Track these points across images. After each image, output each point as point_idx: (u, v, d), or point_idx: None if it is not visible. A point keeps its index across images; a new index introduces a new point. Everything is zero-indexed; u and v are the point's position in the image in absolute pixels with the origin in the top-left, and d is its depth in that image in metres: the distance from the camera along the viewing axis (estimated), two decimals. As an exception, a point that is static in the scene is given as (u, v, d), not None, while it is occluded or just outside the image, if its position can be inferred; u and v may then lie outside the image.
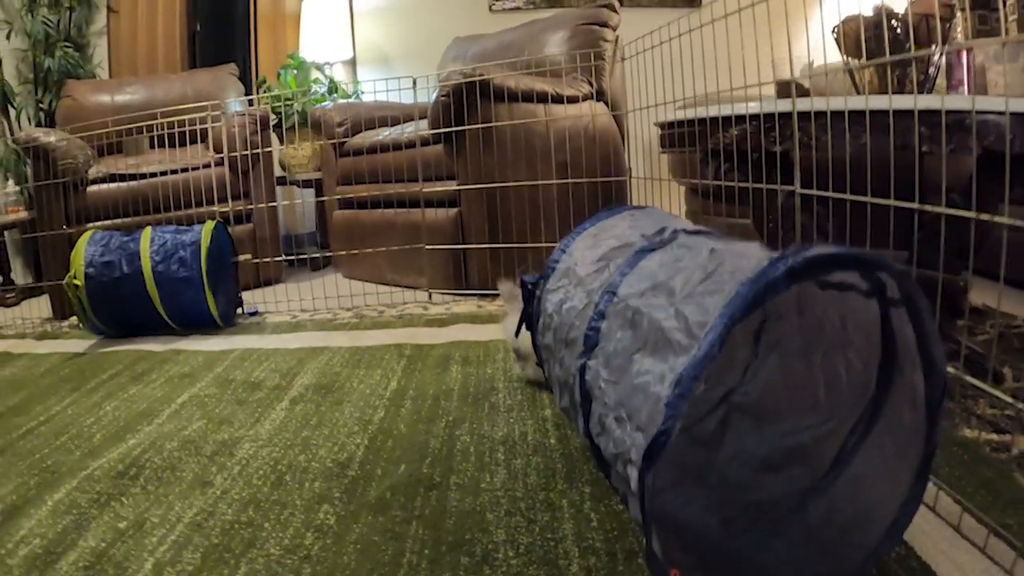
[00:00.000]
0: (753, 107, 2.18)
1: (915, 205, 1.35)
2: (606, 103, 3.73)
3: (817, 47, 1.92)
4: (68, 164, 3.16)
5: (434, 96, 2.94)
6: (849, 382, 1.09)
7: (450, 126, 2.90)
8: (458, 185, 2.96)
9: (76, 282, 2.54)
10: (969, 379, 1.25)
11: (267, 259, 3.42)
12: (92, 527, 1.30)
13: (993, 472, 1.27)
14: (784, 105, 1.99)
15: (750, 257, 0.89)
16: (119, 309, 2.60)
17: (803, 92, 2.39)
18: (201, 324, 2.66)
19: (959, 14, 4.17)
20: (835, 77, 2.60)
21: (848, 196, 1.54)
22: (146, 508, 1.36)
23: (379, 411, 1.78)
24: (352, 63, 4.78)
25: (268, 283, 3.58)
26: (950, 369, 1.00)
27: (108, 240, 2.62)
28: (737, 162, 2.40)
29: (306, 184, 4.13)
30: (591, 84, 3.66)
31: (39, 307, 3.60)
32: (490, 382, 1.93)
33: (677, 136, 2.76)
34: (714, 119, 2.38)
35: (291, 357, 2.27)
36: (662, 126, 2.91)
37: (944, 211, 1.27)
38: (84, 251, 2.58)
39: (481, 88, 2.86)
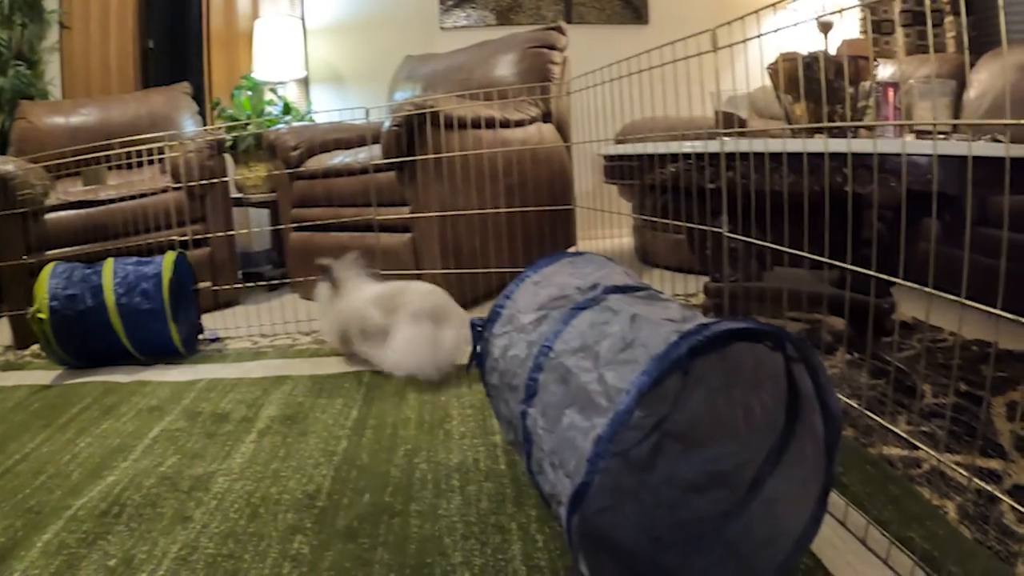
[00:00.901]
0: (688, 147, 2.32)
1: (825, 259, 1.51)
2: (554, 124, 3.86)
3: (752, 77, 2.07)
4: (27, 195, 3.21)
5: (386, 125, 3.04)
6: (763, 417, 1.27)
7: (402, 155, 3.01)
8: (411, 212, 3.07)
9: (41, 315, 2.61)
10: (870, 416, 1.43)
11: (226, 286, 3.50)
12: (83, 566, 1.41)
13: (900, 489, 1.45)
14: (715, 146, 2.13)
15: (663, 330, 1.05)
16: (84, 341, 2.67)
17: (742, 123, 2.54)
18: (165, 353, 2.75)
19: (899, 31, 4.37)
20: (769, 101, 2.74)
21: (767, 244, 1.70)
22: (132, 545, 1.48)
23: (342, 441, 1.91)
24: (305, 82, 4.85)
25: (227, 305, 3.66)
26: (853, 404, 1.17)
27: (71, 273, 2.69)
28: (675, 195, 2.54)
29: (261, 204, 4.20)
30: (539, 106, 3.80)
31: (-1, 332, 3.64)
32: (444, 409, 2.07)
33: (620, 168, 2.90)
34: (653, 155, 2.52)
35: (255, 387, 2.37)
36: (606, 158, 3.05)
37: (851, 268, 1.44)
38: (47, 284, 2.65)
39: (431, 117, 2.97)
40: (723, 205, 2.03)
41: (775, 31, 1.72)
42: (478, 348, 1.56)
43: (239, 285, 3.67)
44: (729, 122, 2.55)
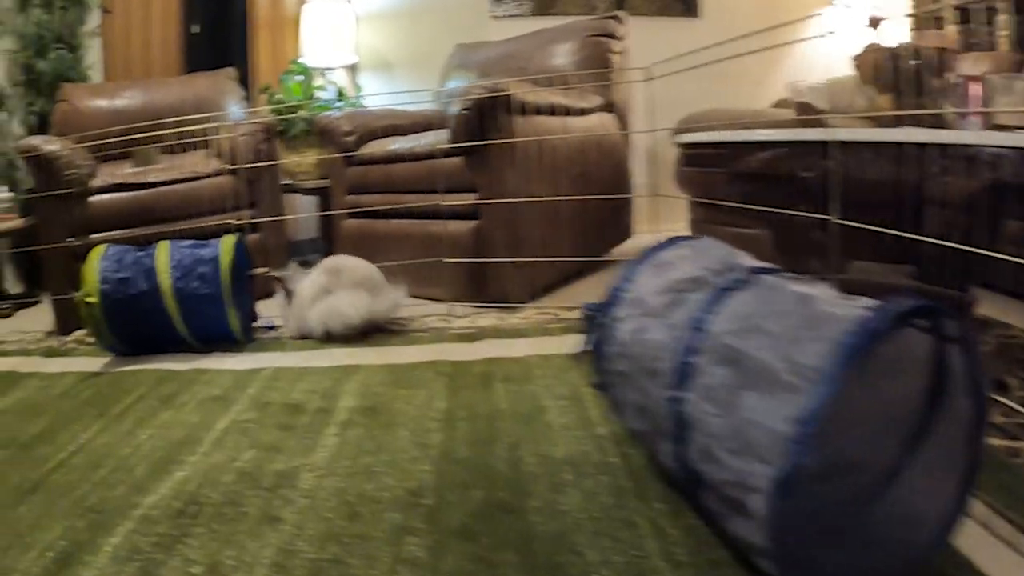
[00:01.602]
0: (783, 134, 2.19)
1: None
2: (616, 115, 3.71)
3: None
4: (72, 176, 3.04)
5: (455, 109, 2.88)
6: (900, 402, 1.17)
7: (472, 139, 2.84)
8: (479, 198, 2.90)
9: (90, 299, 2.44)
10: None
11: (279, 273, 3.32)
12: (163, 574, 1.22)
13: (1010, 476, 1.36)
14: (821, 134, 2.00)
15: (842, 309, 1.01)
16: (136, 326, 2.50)
17: (820, 114, 2.41)
18: (221, 341, 2.57)
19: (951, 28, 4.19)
20: (849, 96, 2.61)
21: (880, 229, 1.58)
22: (217, 549, 1.29)
23: (435, 434, 1.72)
24: (353, 69, 4.69)
25: (272, 295, 3.47)
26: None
27: (122, 255, 2.52)
28: (759, 184, 2.42)
29: (310, 192, 4.03)
30: (602, 96, 3.64)
31: (36, 319, 3.47)
32: (535, 400, 1.89)
33: (700, 157, 2.75)
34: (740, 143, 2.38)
35: (325, 376, 2.19)
36: (684, 146, 2.89)
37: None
38: (98, 266, 2.48)
39: (502, 102, 2.80)
40: (833, 192, 1.88)
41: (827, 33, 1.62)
42: (593, 335, 1.49)
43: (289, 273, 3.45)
44: (808, 112, 2.46)
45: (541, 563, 1.16)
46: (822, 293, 1.09)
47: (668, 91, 2.83)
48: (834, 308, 1.02)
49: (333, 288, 2.61)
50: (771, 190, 2.36)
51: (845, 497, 1.19)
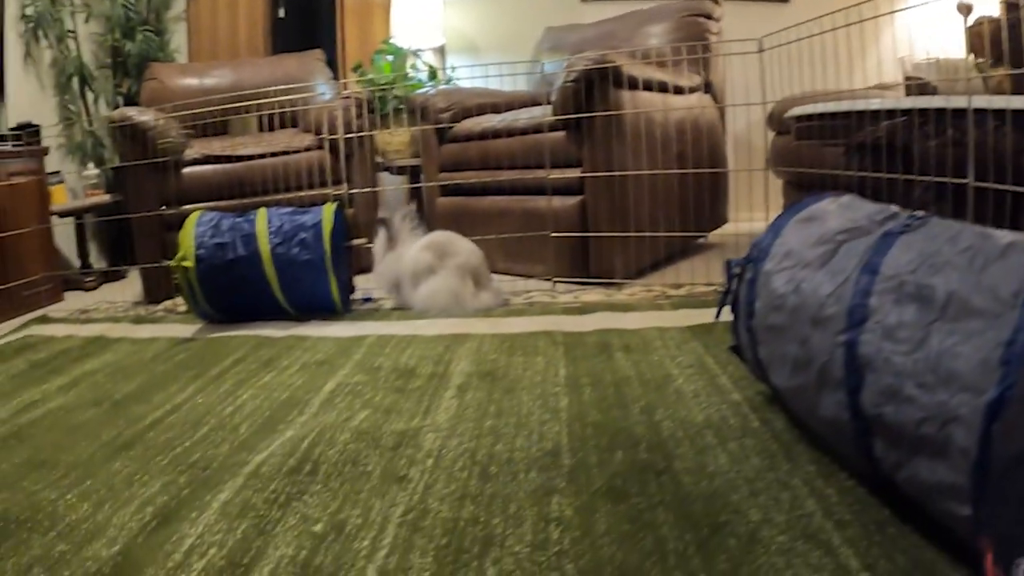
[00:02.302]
0: (912, 102, 2.05)
1: None
2: (712, 95, 3.55)
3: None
4: (167, 144, 2.96)
5: (559, 81, 2.74)
6: None
7: (579, 111, 2.69)
8: (584, 172, 2.74)
9: (186, 264, 2.33)
10: None
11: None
12: (279, 532, 1.09)
13: None
14: (953, 101, 1.84)
15: (1018, 237, 0.97)
16: (231, 293, 2.40)
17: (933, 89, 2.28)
18: (319, 310, 2.45)
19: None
20: (960, 71, 2.45)
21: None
22: (338, 508, 1.15)
23: (562, 398, 1.58)
24: (441, 51, 4.58)
25: (367, 270, 3.35)
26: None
27: (218, 221, 2.42)
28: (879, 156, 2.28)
29: (400, 171, 3.92)
30: (701, 75, 3.48)
31: (121, 291, 3.43)
32: (662, 368, 1.74)
33: (816, 130, 2.61)
34: (858, 113, 2.23)
35: (434, 344, 2.05)
36: (798, 119, 2.75)
37: None
38: (194, 232, 2.38)
39: (607, 74, 2.65)
40: (970, 158, 1.71)
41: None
42: (734, 290, 1.45)
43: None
44: (921, 88, 2.29)
45: (702, 522, 1.06)
46: (995, 231, 1.03)
47: (756, 75, 2.69)
48: (1016, 238, 0.97)
49: (438, 268, 2.49)
50: (892, 163, 2.19)
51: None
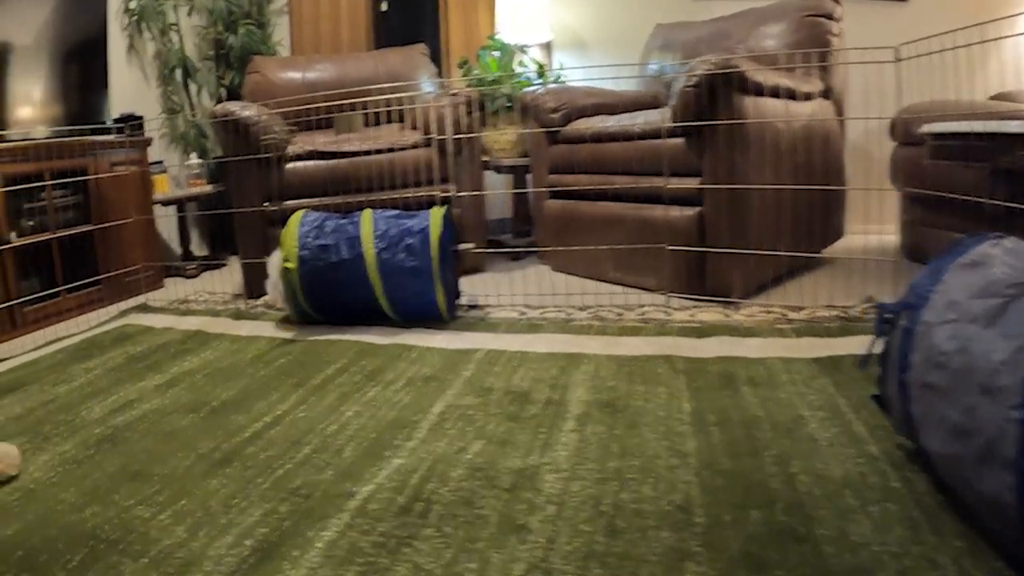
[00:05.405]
0: None
1: None
2: (833, 102, 3.34)
3: None
4: (270, 139, 2.91)
5: (679, 85, 2.58)
6: None
7: (700, 118, 2.53)
8: (703, 182, 2.57)
9: (288, 264, 2.26)
10: None
11: (491, 249, 3.14)
12: (394, 585, 0.97)
13: None
14: None
15: None
16: (333, 295, 2.32)
17: None
18: (423, 317, 2.36)
19: None
20: None
21: None
22: (453, 558, 1.04)
23: (688, 439, 1.43)
24: (548, 47, 4.45)
25: (472, 271, 3.26)
26: None
27: (322, 221, 2.35)
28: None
29: (505, 170, 3.81)
30: (822, 81, 3.27)
31: (220, 281, 3.43)
32: (792, 409, 1.58)
33: (956, 149, 2.41)
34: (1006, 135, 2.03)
35: (548, 364, 1.92)
36: (933, 136, 2.54)
37: None
38: (297, 232, 2.31)
39: (731, 79, 2.48)
40: None
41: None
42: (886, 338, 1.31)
43: (491, 250, 3.35)
44: None
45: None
46: None
47: (877, 82, 2.49)
48: None
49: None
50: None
51: None
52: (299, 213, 2.40)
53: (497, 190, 4.02)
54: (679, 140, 2.65)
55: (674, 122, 2.62)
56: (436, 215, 2.31)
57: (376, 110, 3.01)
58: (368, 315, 2.36)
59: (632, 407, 1.59)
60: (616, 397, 1.65)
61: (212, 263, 3.95)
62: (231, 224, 3.11)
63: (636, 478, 1.27)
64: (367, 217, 2.33)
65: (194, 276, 3.70)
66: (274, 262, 2.50)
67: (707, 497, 1.21)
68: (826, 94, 3.33)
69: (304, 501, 1.24)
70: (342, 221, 2.34)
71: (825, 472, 1.28)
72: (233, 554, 1.08)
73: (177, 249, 3.94)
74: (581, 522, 1.13)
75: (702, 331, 2.18)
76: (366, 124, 3.45)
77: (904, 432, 1.31)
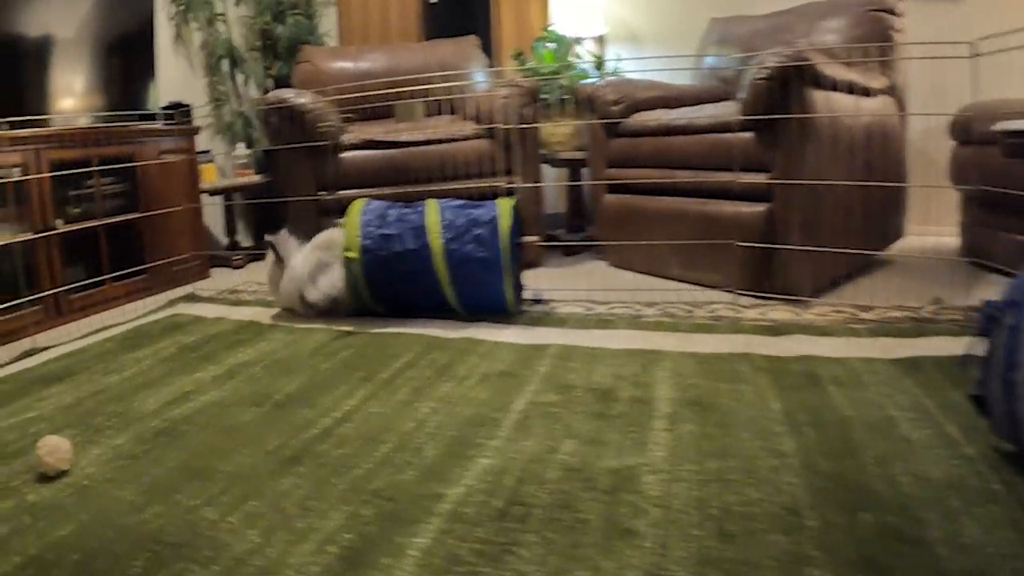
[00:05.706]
0: None
1: None
2: (895, 99, 3.23)
3: None
4: (326, 127, 2.85)
5: (749, 78, 2.49)
6: None
7: (771, 112, 2.44)
8: (772, 178, 2.48)
9: (350, 254, 2.20)
10: None
11: (553, 243, 3.11)
12: (499, 595, 0.90)
13: None
14: None
15: None
16: (396, 287, 2.27)
17: None
18: (490, 310, 2.29)
19: None
20: None
21: None
22: (561, 567, 0.97)
23: (784, 439, 1.36)
24: (601, 40, 4.37)
25: (529, 265, 3.18)
26: None
27: (384, 211, 2.28)
28: None
29: (562, 164, 3.73)
30: (887, 77, 3.16)
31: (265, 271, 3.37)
32: (881, 410, 1.50)
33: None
34: None
35: (626, 361, 1.85)
36: (1007, 134, 2.43)
37: None
38: (359, 221, 2.25)
39: (803, 73, 2.39)
40: None
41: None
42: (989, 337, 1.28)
43: (551, 243, 3.29)
44: None
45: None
46: None
47: (931, 79, 2.38)
48: None
49: (331, 261, 2.42)
50: None
51: None
52: (360, 202, 2.34)
53: (561, 184, 3.95)
54: (748, 134, 2.56)
55: (744, 115, 2.53)
56: (505, 205, 2.24)
57: (435, 98, 2.93)
58: (430, 307, 2.29)
59: (720, 406, 1.52)
60: (702, 395, 1.58)
61: (257, 253, 3.90)
62: (278, 214, 3.06)
63: (739, 479, 1.20)
64: (432, 206, 2.26)
65: (240, 267, 3.67)
66: (302, 259, 2.49)
67: (814, 499, 1.15)
68: (890, 90, 3.23)
69: (388, 504, 1.17)
70: (405, 210, 2.27)
71: (925, 474, 1.23)
72: (317, 561, 1.02)
73: (223, 239, 3.90)
74: (690, 526, 1.07)
75: (776, 330, 2.09)
76: (428, 114, 3.39)
77: (1005, 433, 1.26)
